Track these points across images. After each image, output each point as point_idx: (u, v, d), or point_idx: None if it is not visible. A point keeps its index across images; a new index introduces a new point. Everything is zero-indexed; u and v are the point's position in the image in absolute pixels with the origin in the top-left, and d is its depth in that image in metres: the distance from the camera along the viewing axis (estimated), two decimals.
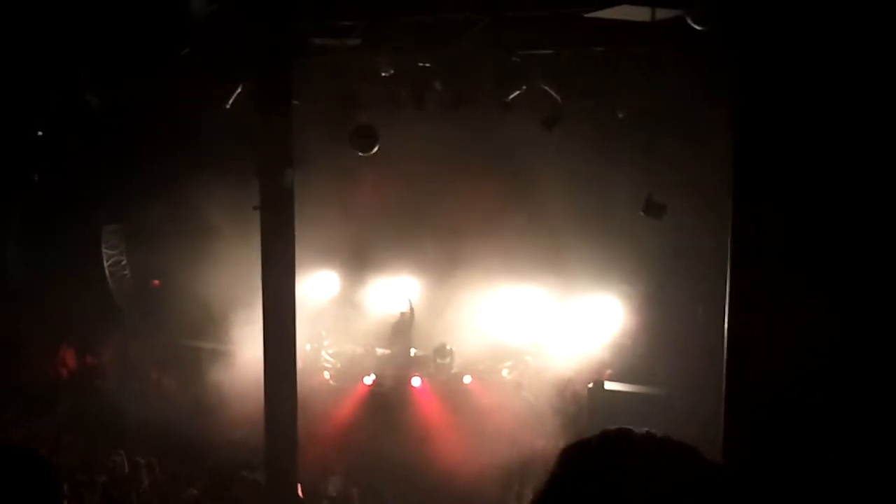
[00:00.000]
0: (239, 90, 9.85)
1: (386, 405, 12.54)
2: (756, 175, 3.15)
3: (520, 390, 12.32)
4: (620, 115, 9.95)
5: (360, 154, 9.66)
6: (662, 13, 7.04)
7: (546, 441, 11.78)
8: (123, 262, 12.69)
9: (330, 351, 13.15)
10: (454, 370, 12.73)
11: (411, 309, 13.02)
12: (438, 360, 12.73)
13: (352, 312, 13.17)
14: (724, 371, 3.48)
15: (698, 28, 6.59)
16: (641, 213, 9.10)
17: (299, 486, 9.48)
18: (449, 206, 11.40)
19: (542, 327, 12.56)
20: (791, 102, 3.12)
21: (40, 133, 10.60)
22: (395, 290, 13.28)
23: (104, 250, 12.42)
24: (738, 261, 3.29)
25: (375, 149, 9.59)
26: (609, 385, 12.02)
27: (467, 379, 12.68)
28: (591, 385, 12.14)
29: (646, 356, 11.72)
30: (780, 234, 3.26)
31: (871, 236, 3.07)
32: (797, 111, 3.14)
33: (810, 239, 3.21)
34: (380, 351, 13.09)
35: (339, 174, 10.90)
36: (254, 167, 9.31)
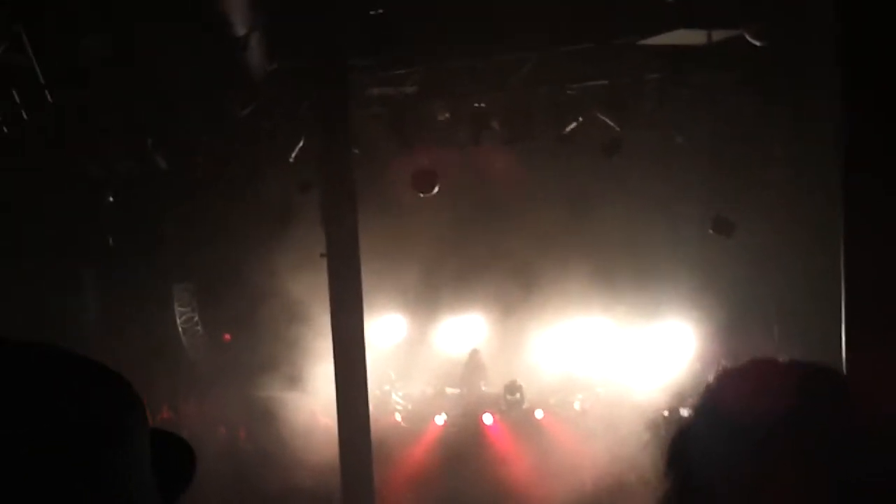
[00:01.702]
0: (301, 143, 10.09)
1: (458, 444, 12.49)
2: (868, 198, 3.09)
3: (593, 422, 12.18)
4: (679, 140, 9.93)
5: (421, 195, 9.79)
6: (719, 34, 7.04)
7: (623, 471, 11.60)
8: (196, 319, 12.95)
9: (400, 393, 13.19)
10: (525, 405, 12.65)
11: (478, 348, 13.05)
12: (509, 397, 12.67)
13: (420, 353, 13.22)
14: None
15: (758, 44, 6.57)
16: (711, 231, 9.02)
17: None
18: (512, 242, 11.43)
19: (612, 357, 12.45)
20: None
21: (112, 199, 10.98)
22: (462, 329, 13.31)
23: (176, 308, 12.71)
24: (853, 293, 3.20)
25: (436, 189, 9.72)
26: (685, 411, 11.80)
27: (539, 414, 12.59)
28: (666, 412, 11.94)
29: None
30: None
31: None
32: None
33: None
34: (450, 390, 13.09)
35: (402, 217, 11.03)
36: (318, 216, 9.50)
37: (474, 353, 13.03)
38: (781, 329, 9.73)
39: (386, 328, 13.10)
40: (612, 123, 9.59)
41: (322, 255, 9.53)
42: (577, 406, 12.68)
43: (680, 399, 12.03)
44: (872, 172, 3.03)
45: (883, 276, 3.06)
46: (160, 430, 0.93)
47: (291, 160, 10.31)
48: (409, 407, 13.07)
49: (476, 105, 9.37)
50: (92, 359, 0.83)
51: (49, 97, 8.09)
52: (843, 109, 3.00)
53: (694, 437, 1.13)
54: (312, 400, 11.84)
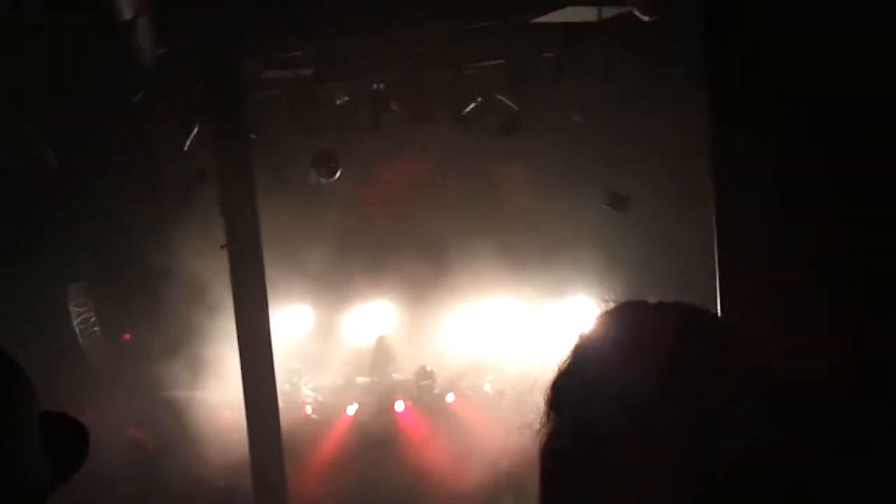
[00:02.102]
0: (196, 130, 9.81)
1: (371, 433, 12.44)
2: (736, 167, 3.13)
3: (504, 402, 12.30)
4: (576, 118, 10.09)
5: (323, 181, 9.66)
6: (609, 11, 7.18)
7: (535, 448, 11.75)
8: (93, 319, 12.45)
9: (310, 385, 13.03)
10: (436, 390, 12.69)
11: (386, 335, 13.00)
12: (420, 383, 12.69)
13: (328, 344, 13.08)
14: None
15: (647, 19, 6.72)
16: (605, 207, 9.21)
17: None
18: (415, 227, 11.42)
19: (521, 337, 12.59)
20: (769, 87, 3.07)
21: None
22: (369, 317, 13.22)
23: (72, 308, 12.17)
24: (724, 256, 3.23)
25: (338, 174, 9.61)
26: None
27: (450, 397, 12.65)
28: None
29: None
30: (769, 228, 3.18)
31: (865, 224, 2.97)
32: (776, 96, 3.07)
33: (798, 232, 3.10)
34: (360, 379, 13.01)
35: (305, 203, 10.86)
36: (217, 206, 9.26)
37: (381, 340, 12.98)
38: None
39: (293, 320, 12.89)
40: (510, 103, 9.68)
41: (222, 247, 9.29)
42: (487, 388, 12.79)
43: None
44: (740, 128, 3.11)
45: (756, 240, 3.13)
46: (52, 412, 0.88)
47: (186, 148, 10.00)
48: (320, 398, 12.92)
49: (374, 86, 9.30)
50: None
51: None
52: (710, 77, 3.08)
53: (571, 393, 1.11)
54: (219, 398, 11.56)
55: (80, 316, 12.30)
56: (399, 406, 12.63)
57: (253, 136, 9.08)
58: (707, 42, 3.16)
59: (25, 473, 0.78)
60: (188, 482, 11.16)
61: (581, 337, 1.14)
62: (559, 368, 1.14)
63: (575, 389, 1.08)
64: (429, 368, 12.63)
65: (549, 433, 1.10)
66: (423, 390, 12.65)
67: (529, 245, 11.34)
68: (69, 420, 0.89)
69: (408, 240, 11.55)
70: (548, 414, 1.12)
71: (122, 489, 11.26)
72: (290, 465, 9.85)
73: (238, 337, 9.54)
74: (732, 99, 3.13)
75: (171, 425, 12.21)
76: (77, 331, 12.30)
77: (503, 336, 12.70)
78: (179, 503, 11.19)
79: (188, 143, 9.91)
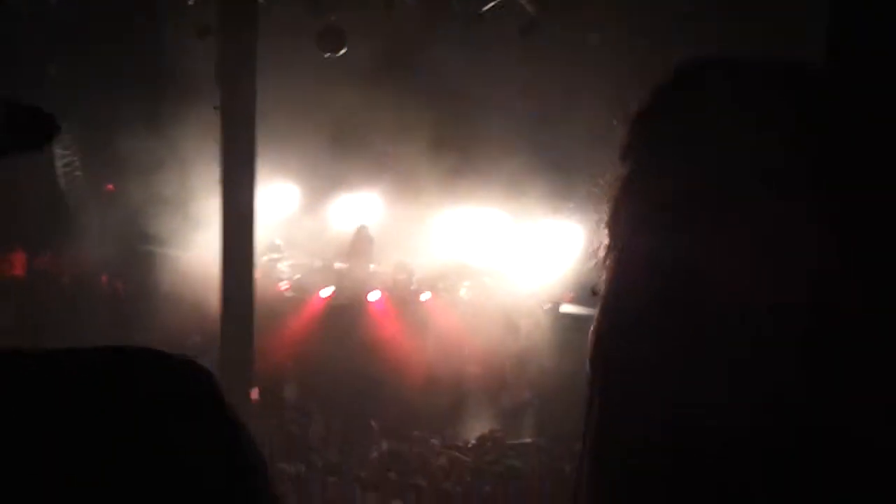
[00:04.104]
0: None
1: (343, 317, 12.55)
2: None
3: (477, 309, 12.39)
4: (592, 42, 9.82)
5: (327, 56, 9.40)
6: None
7: (498, 358, 11.93)
8: (76, 163, 12.32)
9: (288, 262, 13.05)
10: (413, 286, 12.74)
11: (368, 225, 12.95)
12: (396, 276, 12.72)
13: (311, 226, 13.03)
14: None
15: None
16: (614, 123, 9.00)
17: (255, 389, 9.49)
18: (415, 120, 11.18)
19: (503, 250, 12.58)
20: None
21: None
22: (356, 206, 13.14)
23: (56, 150, 12.01)
24: None
25: (343, 51, 9.35)
26: (565, 308, 12.15)
27: (426, 296, 12.71)
28: (547, 306, 12.26)
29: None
30: None
31: None
32: None
33: None
34: (338, 265, 13.02)
35: (305, 78, 10.59)
36: (216, 69, 9.03)
37: (362, 229, 12.91)
38: None
39: (279, 195, 12.80)
40: (528, 8, 9.38)
41: (215, 108, 9.11)
42: (463, 293, 12.85)
43: (562, 295, 12.38)
44: None
45: None
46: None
47: (191, 2, 9.68)
48: (297, 276, 12.96)
49: None
50: None
51: None
52: None
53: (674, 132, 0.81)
54: (196, 259, 11.55)
55: (64, 159, 12.18)
56: (374, 296, 12.70)
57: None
58: None
59: None
60: (158, 334, 11.26)
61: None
62: (641, 106, 0.85)
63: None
64: (407, 264, 12.64)
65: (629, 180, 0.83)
66: (399, 284, 12.69)
67: (530, 157, 11.16)
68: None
69: (407, 130, 11.31)
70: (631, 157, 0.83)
71: (91, 330, 11.41)
72: (258, 335, 9.93)
73: (222, 201, 9.48)
74: None
75: (146, 279, 12.28)
76: (59, 173, 12.20)
77: (487, 245, 12.67)
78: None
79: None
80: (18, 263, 12.55)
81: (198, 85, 9.83)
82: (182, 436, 0.65)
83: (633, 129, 0.86)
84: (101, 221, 11.97)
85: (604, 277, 0.79)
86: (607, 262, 0.80)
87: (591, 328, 0.79)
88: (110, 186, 12.56)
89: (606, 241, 0.81)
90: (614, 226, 0.82)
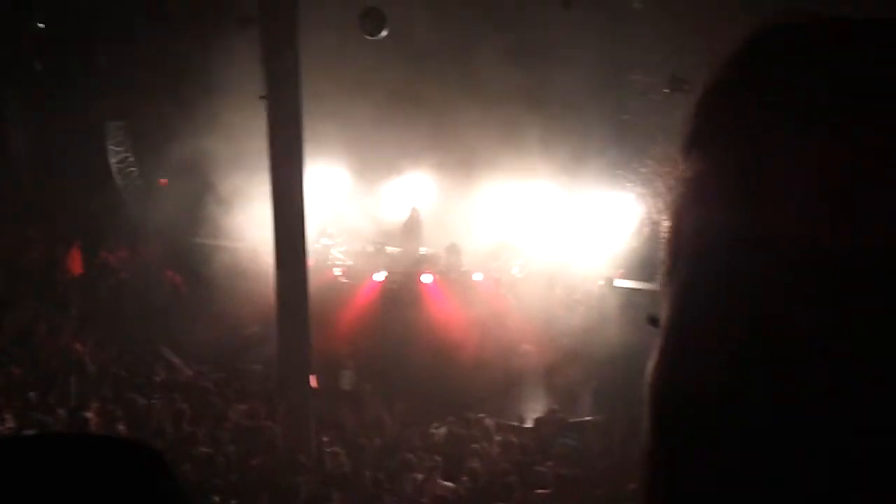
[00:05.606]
0: None
1: (397, 300, 12.56)
2: None
3: (529, 287, 12.29)
4: (637, 5, 9.61)
5: (369, 38, 9.35)
6: None
7: (553, 336, 11.82)
8: (130, 159, 12.53)
9: (341, 248, 13.10)
10: (464, 268, 12.69)
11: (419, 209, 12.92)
12: (448, 259, 12.69)
13: (363, 210, 13.06)
14: None
15: None
16: (665, 91, 8.84)
17: (313, 377, 9.57)
18: (461, 99, 11.06)
19: (554, 226, 12.44)
20: None
21: (41, 25, 10.33)
22: (406, 189, 13.13)
23: (110, 147, 12.24)
24: None
25: (384, 33, 9.29)
26: (619, 282, 11.98)
27: (478, 276, 12.65)
28: (601, 282, 12.10)
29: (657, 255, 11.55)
30: None
31: None
32: None
33: None
34: (390, 249, 13.04)
35: (348, 60, 10.53)
36: (259, 55, 9.05)
37: (414, 212, 12.91)
38: None
39: (328, 180, 12.83)
40: None
41: (262, 98, 9.14)
42: (515, 271, 12.75)
43: (615, 271, 12.19)
44: None
45: None
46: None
47: None
48: (350, 262, 13.02)
49: None
50: None
51: None
52: None
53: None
54: (250, 250, 11.67)
55: (118, 155, 12.39)
56: (427, 278, 12.68)
57: None
58: None
59: None
60: (217, 326, 11.44)
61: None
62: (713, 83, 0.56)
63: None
64: (459, 245, 12.59)
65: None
66: (451, 266, 12.66)
67: (575, 134, 10.97)
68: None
69: (452, 113, 11.19)
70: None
71: (155, 323, 11.67)
72: (314, 321, 9.97)
73: (272, 191, 9.50)
74: None
75: (203, 271, 12.45)
76: (114, 170, 12.42)
77: (537, 223, 12.53)
78: (212, 343, 11.44)
79: None
80: (77, 261, 12.82)
81: (242, 76, 9.88)
82: None
83: (703, 112, 0.53)
84: (156, 216, 12.17)
85: (664, 306, 0.54)
86: (669, 289, 0.55)
87: (651, 368, 0.53)
88: (163, 181, 12.76)
89: (667, 260, 0.55)
90: (676, 242, 0.55)
